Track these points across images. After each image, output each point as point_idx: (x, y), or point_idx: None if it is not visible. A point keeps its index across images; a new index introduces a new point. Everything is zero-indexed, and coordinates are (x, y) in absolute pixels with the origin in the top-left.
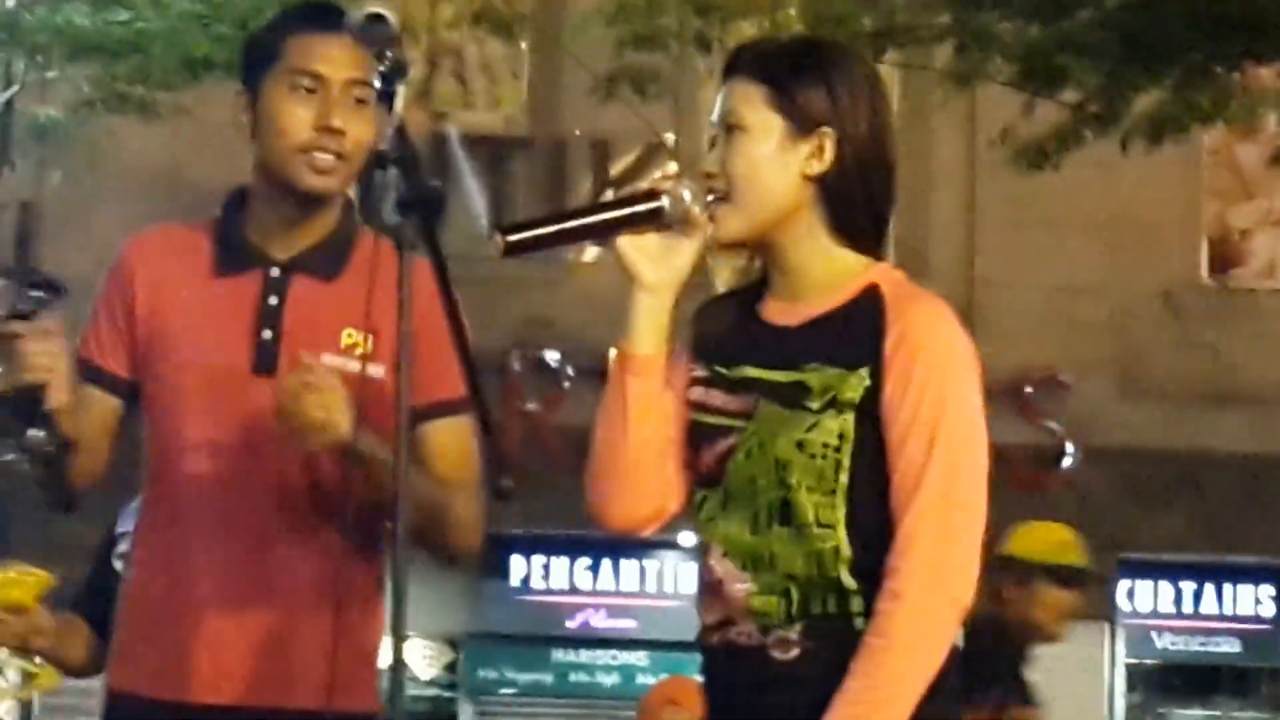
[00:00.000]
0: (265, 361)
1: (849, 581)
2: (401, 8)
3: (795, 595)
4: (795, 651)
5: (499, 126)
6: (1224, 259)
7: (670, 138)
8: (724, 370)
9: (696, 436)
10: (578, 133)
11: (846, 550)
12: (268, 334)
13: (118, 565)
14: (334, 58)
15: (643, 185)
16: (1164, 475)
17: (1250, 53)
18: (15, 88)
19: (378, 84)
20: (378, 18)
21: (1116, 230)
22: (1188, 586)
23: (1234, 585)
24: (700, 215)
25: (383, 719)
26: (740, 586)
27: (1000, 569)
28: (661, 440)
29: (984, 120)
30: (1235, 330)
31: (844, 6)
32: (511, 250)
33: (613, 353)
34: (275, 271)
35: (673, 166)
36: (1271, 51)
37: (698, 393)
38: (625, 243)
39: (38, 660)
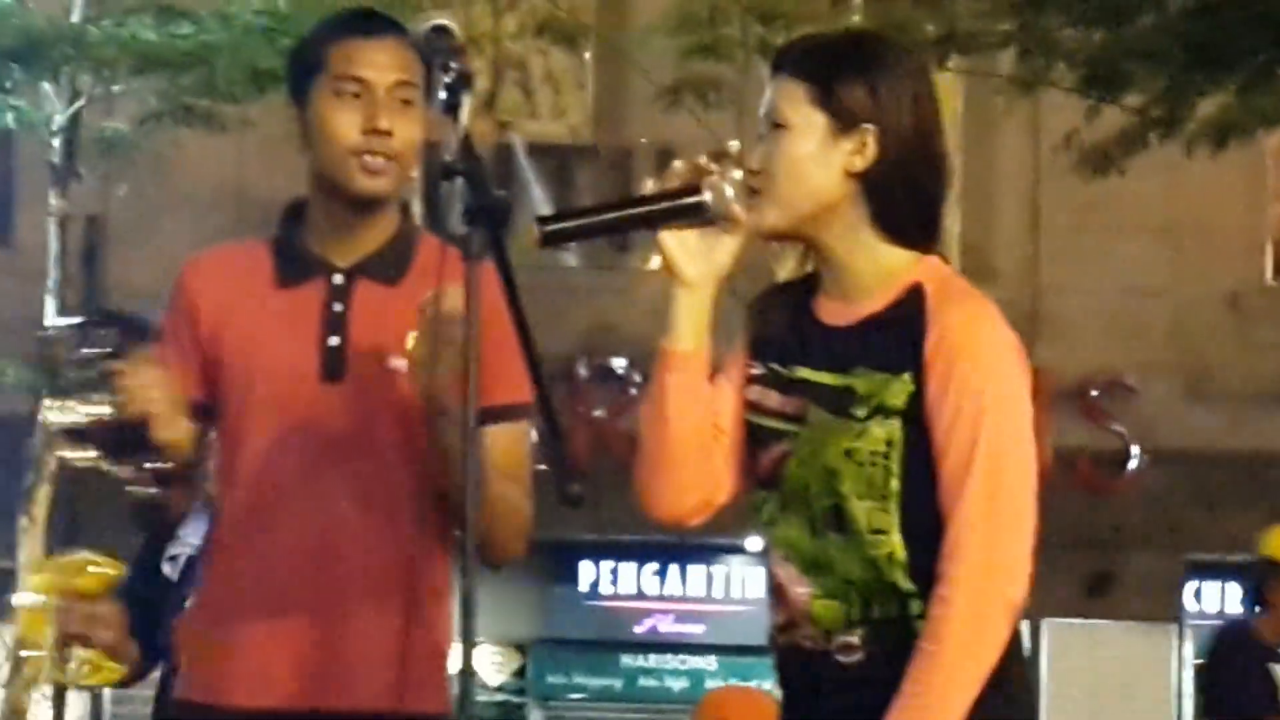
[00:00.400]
0: (334, 368)
1: (906, 585)
2: (465, 19)
3: (855, 600)
4: (858, 656)
5: (564, 136)
6: None
7: (734, 145)
8: (779, 369)
9: (753, 438)
10: (642, 141)
11: (901, 554)
12: (335, 340)
13: (166, 569)
14: (377, 62)
15: (685, 179)
16: (1229, 476)
17: None
18: (82, 101)
19: (443, 95)
20: (442, 30)
21: (1180, 234)
22: None
23: None
24: (741, 211)
25: None
26: (802, 591)
27: (1263, 572)
28: (704, 434)
29: (1048, 126)
30: None
31: (907, 13)
32: (549, 240)
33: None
34: (338, 279)
35: (738, 175)
36: None
37: (755, 392)
38: (666, 238)
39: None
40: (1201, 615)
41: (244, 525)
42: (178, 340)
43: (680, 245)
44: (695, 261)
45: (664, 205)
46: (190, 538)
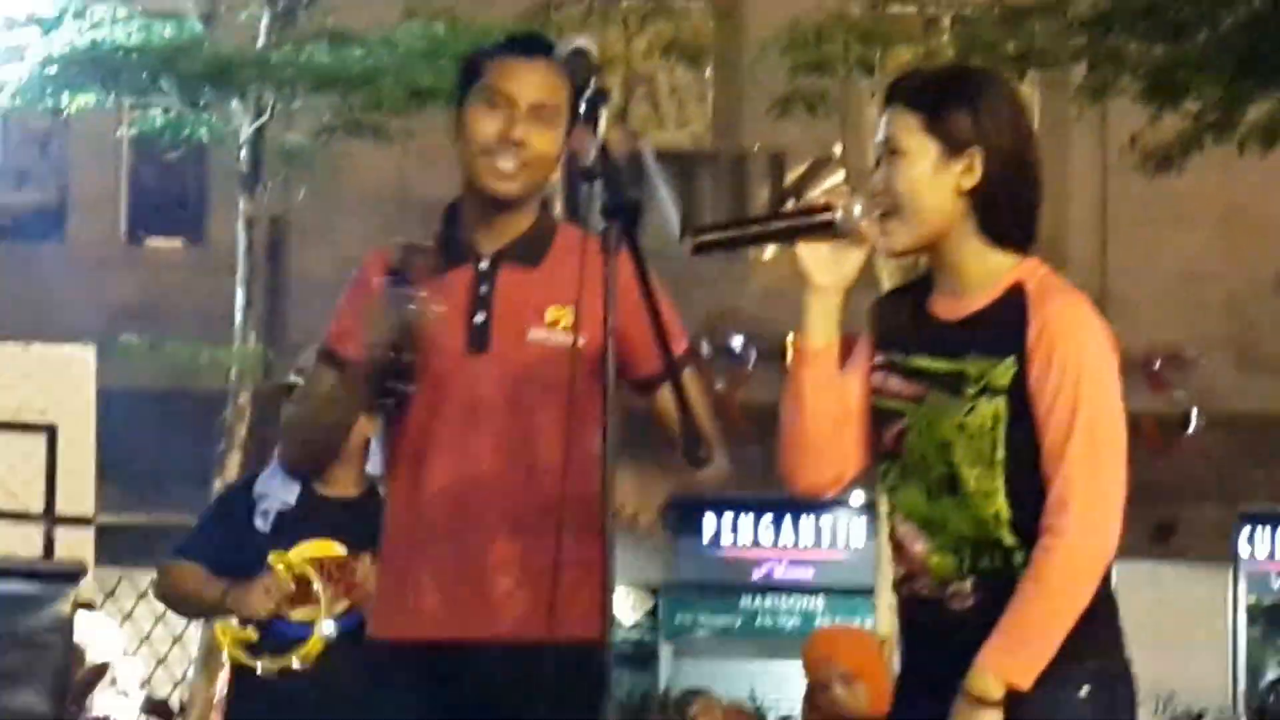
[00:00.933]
0: (479, 341)
1: (1010, 540)
2: (602, 41)
3: (966, 554)
4: (970, 602)
5: (687, 143)
6: None
7: (838, 149)
8: (900, 359)
9: (877, 417)
10: (757, 148)
11: (1006, 513)
12: (480, 317)
13: (258, 523)
14: (525, 80)
15: (819, 199)
16: (1278, 436)
17: None
18: (265, 117)
19: (583, 108)
20: (581, 51)
21: (1234, 223)
22: None
23: None
24: (867, 228)
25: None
26: (920, 546)
27: None
28: (837, 418)
29: (1115, 129)
30: None
31: (990, 33)
32: (701, 249)
33: (790, 339)
34: (484, 264)
35: (840, 177)
36: None
37: (878, 379)
38: (803, 250)
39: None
40: (1253, 559)
41: (407, 480)
42: (355, 312)
43: (814, 256)
44: (827, 270)
45: (801, 222)
46: (278, 493)
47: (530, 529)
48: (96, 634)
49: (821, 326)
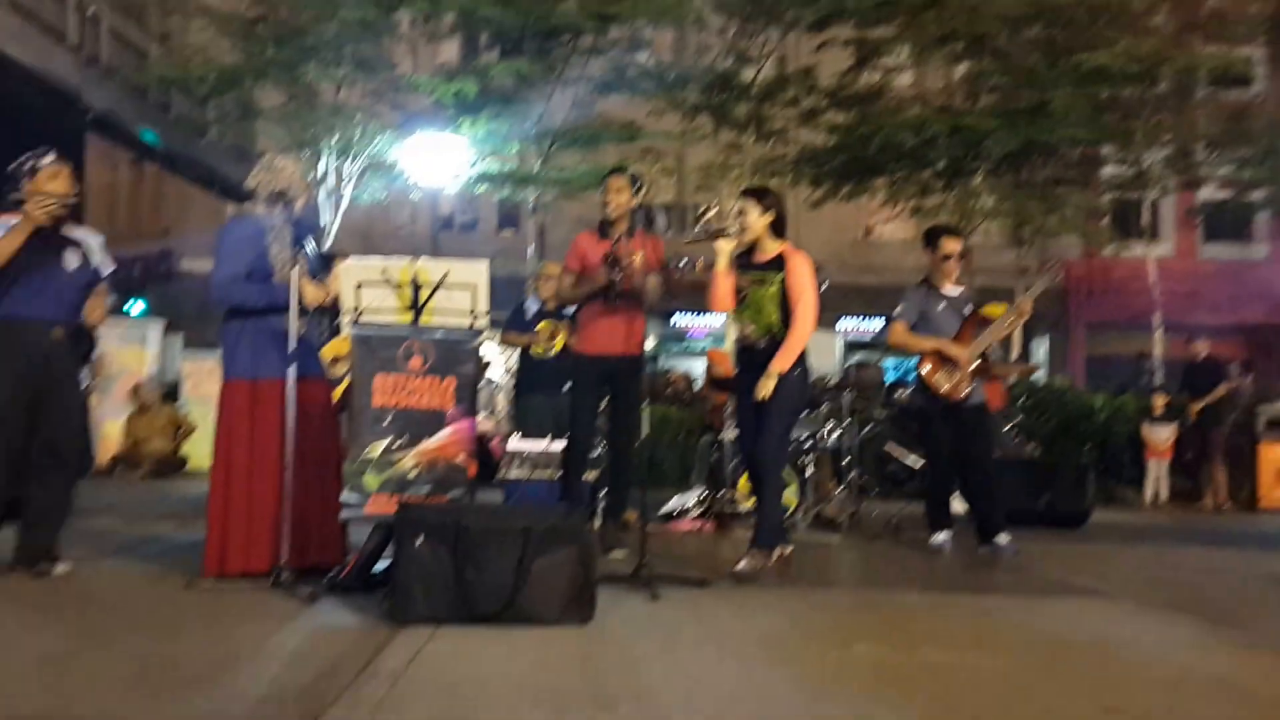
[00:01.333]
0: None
1: (779, 328)
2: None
3: (764, 331)
4: (764, 345)
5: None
6: None
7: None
8: (744, 272)
9: (736, 290)
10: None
11: (779, 318)
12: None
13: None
14: (612, 186)
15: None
16: None
17: None
18: None
19: (635, 188)
20: (635, 176)
21: None
22: None
23: None
24: (733, 234)
25: None
26: (749, 328)
27: None
28: (728, 291)
29: None
30: None
31: None
32: (694, 241)
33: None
34: (616, 241)
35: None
36: None
37: (738, 278)
38: (718, 240)
39: None
40: None
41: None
42: (578, 254)
43: (722, 241)
44: (724, 245)
45: (715, 229)
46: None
47: (627, 311)
48: None
49: (721, 263)
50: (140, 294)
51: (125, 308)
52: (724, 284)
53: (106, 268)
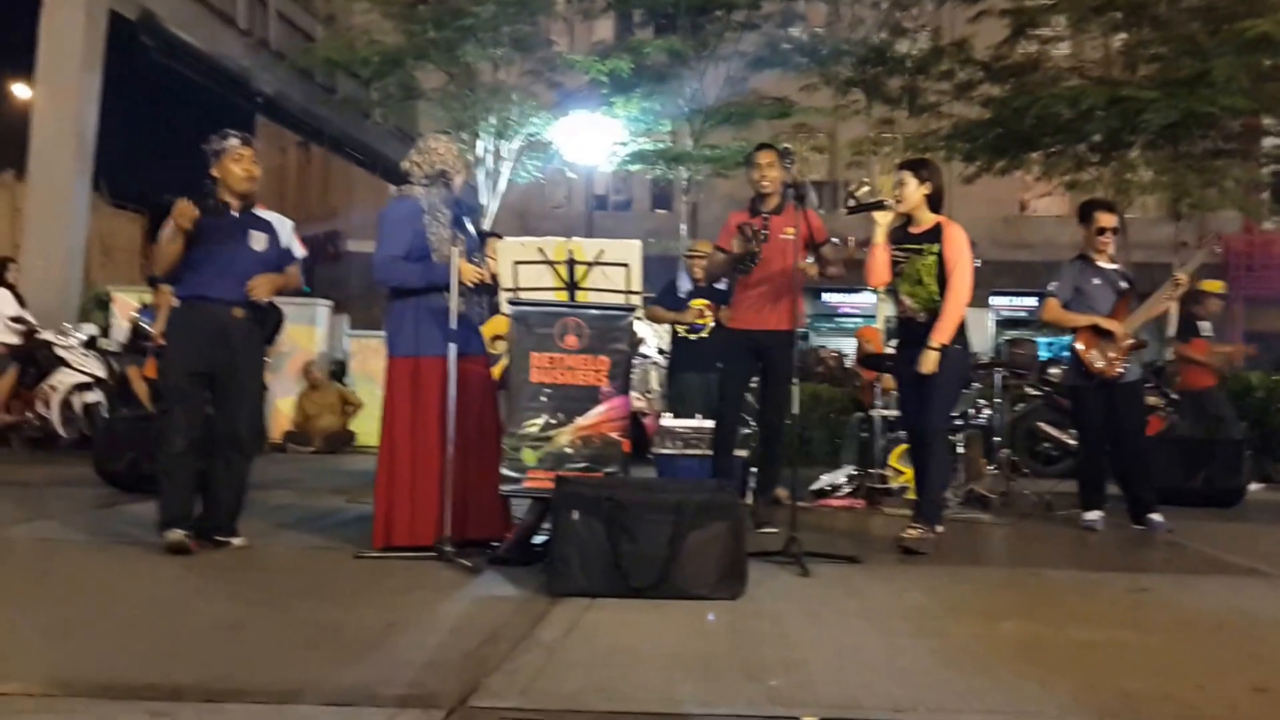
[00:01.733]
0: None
1: (938, 300)
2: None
3: (923, 304)
4: (923, 318)
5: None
6: None
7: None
8: (899, 243)
9: (892, 262)
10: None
11: (937, 291)
12: (766, 231)
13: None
14: (766, 155)
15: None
16: None
17: None
18: None
19: (787, 163)
20: (788, 150)
21: None
22: None
23: None
24: (893, 206)
25: None
26: (908, 302)
27: None
28: (885, 263)
29: None
30: None
31: None
32: (852, 211)
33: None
34: (767, 216)
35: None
36: None
37: (894, 252)
38: (876, 213)
39: None
40: None
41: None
42: (729, 232)
43: (880, 213)
44: (882, 218)
45: (876, 202)
46: None
47: (778, 287)
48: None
49: (880, 234)
50: (309, 274)
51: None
52: (881, 256)
53: (298, 251)
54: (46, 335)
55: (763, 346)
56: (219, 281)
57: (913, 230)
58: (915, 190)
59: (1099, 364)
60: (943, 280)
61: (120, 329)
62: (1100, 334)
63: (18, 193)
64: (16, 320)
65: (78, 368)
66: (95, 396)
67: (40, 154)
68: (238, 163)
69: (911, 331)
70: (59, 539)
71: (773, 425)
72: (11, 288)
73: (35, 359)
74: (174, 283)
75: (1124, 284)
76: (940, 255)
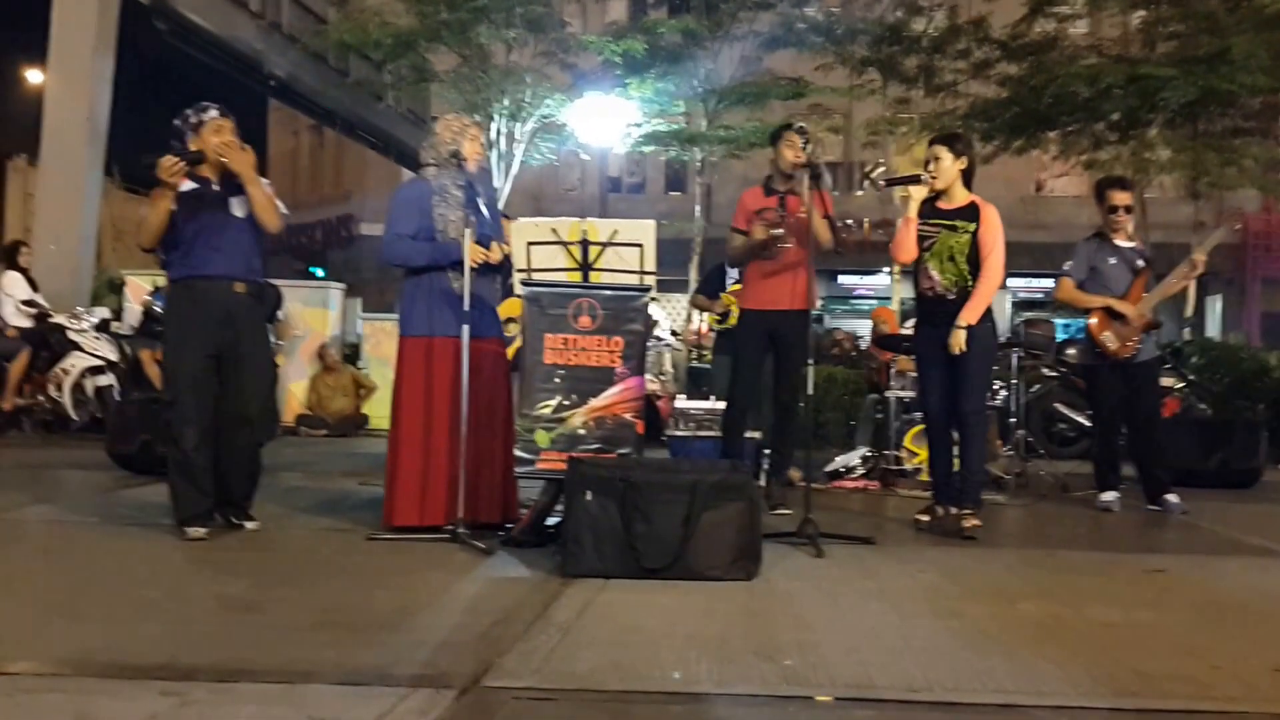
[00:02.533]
0: (782, 218)
1: (969, 279)
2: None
3: (954, 281)
4: (953, 296)
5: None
6: None
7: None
8: (929, 219)
9: (920, 238)
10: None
11: (967, 269)
12: (782, 211)
13: None
14: (793, 141)
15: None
16: None
17: None
18: None
19: (805, 145)
20: (804, 129)
21: None
22: None
23: None
24: (925, 180)
25: None
26: (937, 277)
27: None
28: (913, 239)
29: None
30: None
31: None
32: (888, 184)
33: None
34: (784, 196)
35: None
36: None
37: (922, 227)
38: (911, 187)
39: None
40: None
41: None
42: (741, 214)
43: (914, 188)
44: (915, 193)
45: (909, 177)
46: None
47: (795, 267)
48: None
49: (912, 209)
50: (322, 258)
51: (310, 270)
52: (910, 231)
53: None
54: (59, 319)
55: (777, 327)
56: (214, 257)
57: (943, 206)
58: (951, 165)
59: (1113, 345)
60: (973, 260)
61: (132, 312)
62: (1115, 314)
63: (30, 177)
64: (29, 304)
65: (90, 351)
66: (107, 379)
67: (52, 138)
68: (217, 134)
69: (938, 309)
70: (71, 521)
71: (788, 406)
72: (24, 271)
73: (48, 342)
74: (164, 262)
75: (1141, 262)
76: (975, 235)
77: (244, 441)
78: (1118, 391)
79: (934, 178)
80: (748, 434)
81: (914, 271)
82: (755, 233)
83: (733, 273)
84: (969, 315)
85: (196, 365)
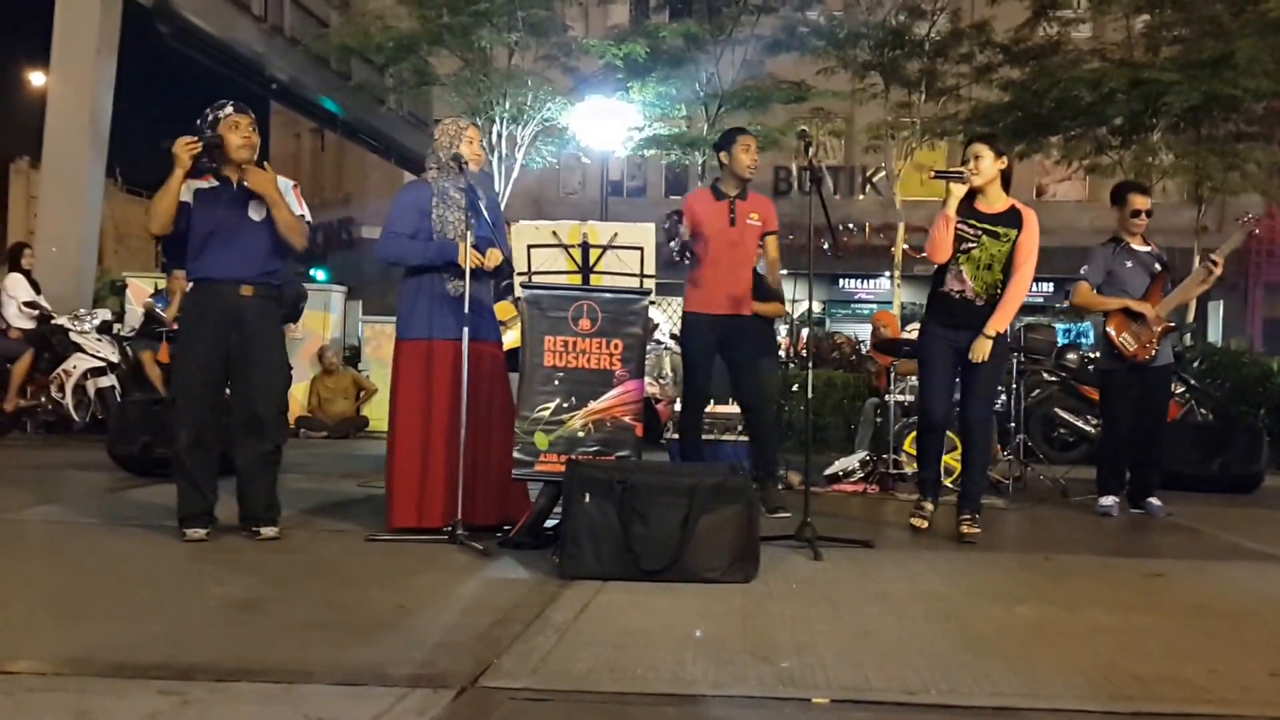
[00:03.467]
0: (732, 221)
1: (999, 285)
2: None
3: (985, 286)
4: (983, 303)
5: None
6: None
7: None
8: (966, 221)
9: (957, 240)
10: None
11: (1001, 276)
12: (732, 215)
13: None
14: (751, 142)
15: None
16: None
17: None
18: None
19: (803, 146)
20: (804, 132)
21: None
22: None
23: None
24: (969, 177)
25: None
26: (970, 281)
27: None
28: (949, 238)
29: None
30: None
31: None
32: (938, 176)
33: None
34: (733, 201)
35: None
36: None
37: (960, 228)
38: (952, 184)
39: None
40: None
41: (701, 265)
42: (686, 216)
43: (954, 185)
44: (956, 189)
45: (953, 172)
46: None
47: (742, 272)
48: None
49: (951, 206)
50: (323, 261)
51: (310, 272)
52: (949, 230)
53: (297, 209)
54: (61, 320)
55: (722, 332)
56: (223, 260)
57: (982, 208)
58: (992, 165)
59: (1132, 346)
60: (1006, 268)
61: (134, 314)
62: (1132, 317)
63: (32, 179)
64: (31, 305)
65: (91, 353)
66: (109, 381)
67: (55, 140)
68: (234, 130)
69: (963, 312)
70: (72, 522)
71: (752, 408)
72: (26, 273)
73: (50, 344)
74: (164, 264)
75: (1158, 266)
76: (1015, 242)
77: (257, 446)
78: (1133, 395)
79: (975, 174)
80: (734, 437)
81: (940, 269)
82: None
83: None
84: (998, 324)
85: (199, 368)
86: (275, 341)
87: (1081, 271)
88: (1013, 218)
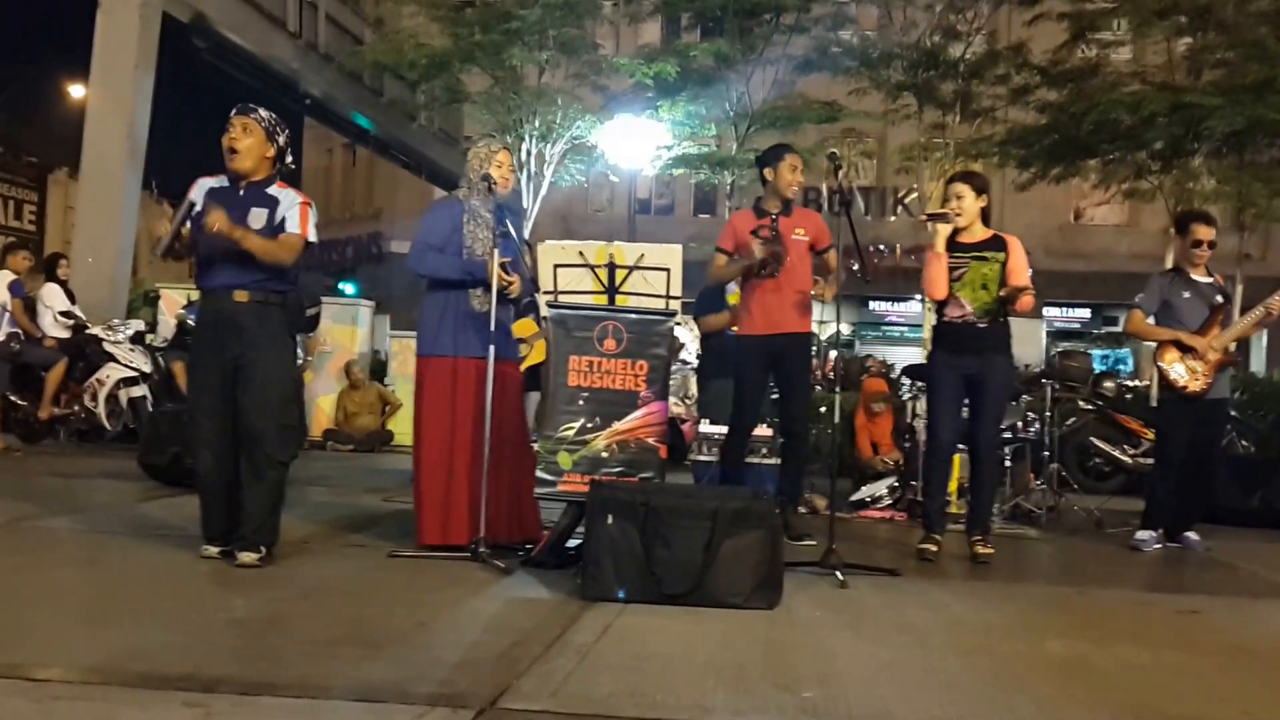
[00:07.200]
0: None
1: (995, 307)
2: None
3: (984, 310)
4: (985, 324)
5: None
6: None
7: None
8: (956, 251)
9: (950, 270)
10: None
11: (995, 298)
12: (776, 229)
13: None
14: (796, 160)
15: (944, 209)
16: None
17: None
18: None
19: (834, 169)
20: (834, 154)
21: None
22: None
23: None
24: (952, 218)
25: None
26: (968, 307)
27: None
28: (944, 273)
29: None
30: None
31: None
32: (929, 219)
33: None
34: (776, 218)
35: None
36: None
37: (949, 259)
38: (939, 224)
39: None
40: None
41: (759, 285)
42: (730, 237)
43: (941, 225)
44: (943, 229)
45: (940, 214)
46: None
47: (789, 290)
48: None
49: (940, 244)
50: (352, 275)
51: (338, 285)
52: (942, 266)
53: (291, 226)
54: (95, 330)
55: (781, 351)
56: (217, 267)
57: (964, 240)
58: (973, 203)
59: (1183, 380)
60: (1000, 289)
61: (167, 325)
62: (1185, 348)
63: (70, 190)
64: (66, 315)
65: (124, 362)
66: (141, 391)
67: (93, 152)
68: (225, 135)
69: (966, 336)
70: (102, 531)
71: (794, 431)
72: (62, 283)
73: (84, 353)
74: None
75: (1219, 298)
76: (1003, 265)
77: (257, 461)
78: (1188, 426)
79: (958, 214)
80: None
81: (942, 302)
82: (755, 252)
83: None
84: (1023, 280)
85: (208, 381)
86: (275, 350)
87: (1137, 299)
88: (997, 243)
